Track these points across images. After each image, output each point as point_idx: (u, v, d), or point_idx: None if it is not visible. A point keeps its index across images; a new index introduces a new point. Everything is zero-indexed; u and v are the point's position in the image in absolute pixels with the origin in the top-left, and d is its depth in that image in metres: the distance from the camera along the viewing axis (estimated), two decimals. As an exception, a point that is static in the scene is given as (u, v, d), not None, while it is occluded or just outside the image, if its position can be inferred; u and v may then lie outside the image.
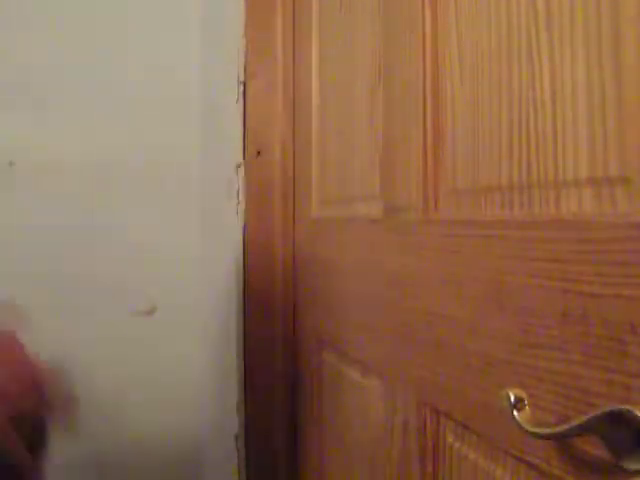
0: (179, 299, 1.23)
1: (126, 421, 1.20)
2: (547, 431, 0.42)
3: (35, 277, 1.12)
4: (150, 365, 1.20)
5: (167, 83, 1.19)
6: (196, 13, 1.22)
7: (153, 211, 1.19)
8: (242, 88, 1.15)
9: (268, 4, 1.14)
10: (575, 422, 0.39)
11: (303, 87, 1.06)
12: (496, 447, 0.52)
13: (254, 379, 1.15)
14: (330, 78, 0.95)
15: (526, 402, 0.46)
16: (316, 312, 0.99)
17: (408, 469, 0.67)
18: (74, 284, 1.14)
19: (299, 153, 1.09)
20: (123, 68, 1.16)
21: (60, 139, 1.12)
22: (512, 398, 0.46)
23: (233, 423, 1.17)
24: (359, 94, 0.82)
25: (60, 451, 1.18)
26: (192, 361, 1.24)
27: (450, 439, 0.60)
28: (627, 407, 0.36)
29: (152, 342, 1.21)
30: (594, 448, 0.40)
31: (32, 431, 0.63)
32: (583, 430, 0.39)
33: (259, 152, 1.14)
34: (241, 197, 1.15)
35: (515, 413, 0.45)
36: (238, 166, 1.15)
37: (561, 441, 0.43)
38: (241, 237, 1.15)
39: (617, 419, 0.37)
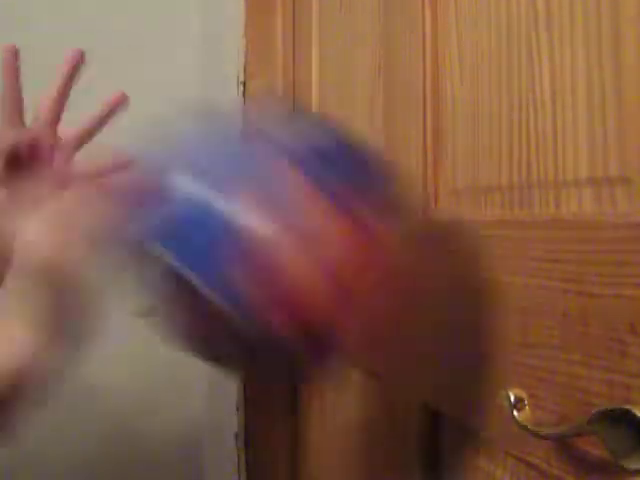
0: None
1: (126, 421, 1.20)
2: (547, 431, 0.42)
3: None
4: (150, 365, 1.20)
5: (167, 83, 1.19)
6: (196, 13, 1.22)
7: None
8: (242, 88, 1.15)
9: (268, 4, 1.14)
10: (575, 422, 0.39)
11: (303, 87, 1.06)
12: (496, 447, 0.52)
13: (254, 379, 1.15)
14: (330, 78, 0.95)
15: (526, 402, 0.46)
16: (316, 312, 0.99)
17: (408, 469, 0.67)
18: (74, 284, 1.14)
19: (299, 153, 1.09)
20: (123, 68, 1.16)
21: (60, 139, 1.12)
22: (512, 398, 0.46)
23: (233, 423, 1.17)
24: (359, 94, 0.82)
25: (60, 451, 1.18)
26: (191, 361, 1.24)
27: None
28: (627, 407, 0.36)
29: (152, 342, 1.21)
30: (594, 448, 0.40)
31: None
32: (583, 430, 0.39)
33: (259, 152, 1.14)
34: (241, 197, 1.15)
35: (515, 413, 0.45)
36: (238, 166, 1.15)
37: (561, 441, 0.43)
38: (241, 237, 1.15)
39: (617, 419, 0.37)
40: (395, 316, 0.46)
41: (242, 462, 1.16)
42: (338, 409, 0.90)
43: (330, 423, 0.94)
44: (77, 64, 0.61)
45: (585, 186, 0.43)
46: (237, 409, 1.16)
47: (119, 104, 0.66)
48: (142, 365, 1.20)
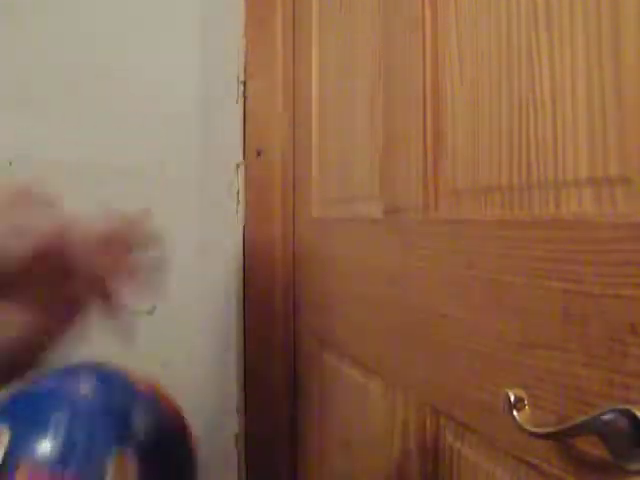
0: (179, 299, 1.23)
1: (126, 421, 1.20)
2: (547, 431, 0.42)
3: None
4: (149, 365, 1.20)
5: (167, 83, 1.19)
6: (196, 13, 1.22)
7: (153, 211, 1.18)
8: (242, 88, 1.15)
9: (268, 4, 1.15)
10: (575, 422, 0.39)
11: (303, 87, 1.06)
12: (496, 447, 0.52)
13: (254, 379, 1.15)
14: (330, 78, 0.95)
15: (526, 402, 0.46)
16: (316, 312, 0.99)
17: (408, 469, 0.67)
18: (74, 284, 1.14)
19: (299, 153, 1.09)
20: (123, 68, 1.16)
21: (60, 139, 1.12)
22: (512, 398, 0.46)
23: (233, 423, 1.17)
24: (359, 94, 0.82)
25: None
26: (192, 361, 1.24)
27: (450, 439, 0.60)
28: (627, 407, 0.36)
29: (152, 342, 1.21)
30: (594, 448, 0.40)
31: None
32: (583, 430, 0.39)
33: (259, 152, 1.14)
34: (241, 197, 1.15)
35: (515, 413, 0.45)
36: (238, 166, 1.15)
37: (561, 441, 0.43)
38: (241, 237, 1.15)
39: (617, 419, 0.37)
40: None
41: (242, 462, 1.16)
42: (338, 410, 0.90)
43: (330, 423, 0.94)
44: None
45: (585, 186, 0.43)
46: (237, 410, 1.16)
47: None
48: (142, 365, 1.20)
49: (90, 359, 0.68)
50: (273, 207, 1.13)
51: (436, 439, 0.62)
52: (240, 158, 1.15)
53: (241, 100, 1.15)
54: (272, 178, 1.13)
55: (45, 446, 0.53)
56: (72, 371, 0.64)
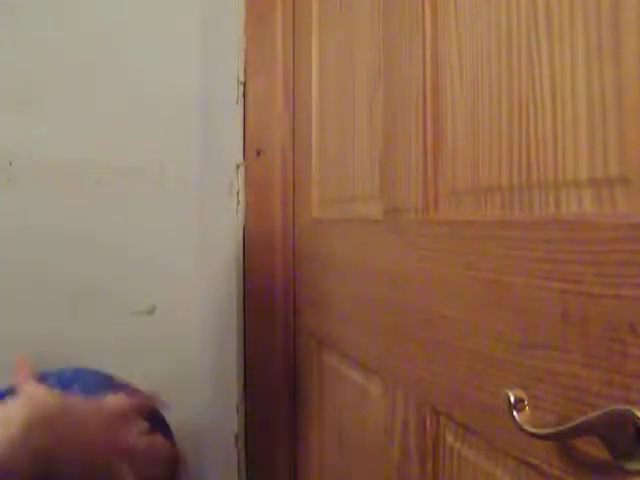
0: (179, 299, 1.23)
1: (126, 421, 1.20)
2: (547, 431, 0.42)
3: (34, 276, 1.12)
4: (150, 365, 1.20)
5: (167, 83, 1.19)
6: (196, 13, 1.22)
7: (153, 211, 1.19)
8: (242, 88, 1.15)
9: (268, 4, 1.14)
10: (575, 422, 0.39)
11: (303, 87, 1.06)
12: (496, 447, 0.52)
13: (254, 379, 1.15)
14: (330, 78, 0.95)
15: (526, 402, 0.46)
16: (316, 312, 0.99)
17: (408, 469, 0.67)
18: (74, 284, 1.14)
19: (299, 153, 1.09)
20: (123, 68, 1.16)
21: (59, 139, 1.12)
22: (512, 398, 0.46)
23: (233, 423, 1.17)
24: (359, 94, 0.82)
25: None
26: (192, 361, 1.24)
27: (450, 439, 0.60)
28: (627, 407, 0.36)
29: (152, 342, 1.21)
30: (594, 448, 0.40)
31: None
32: (583, 430, 0.39)
33: (259, 152, 1.14)
34: (241, 197, 1.15)
35: (515, 413, 0.45)
36: (238, 166, 1.15)
37: (561, 441, 0.43)
38: (241, 237, 1.15)
39: (617, 419, 0.37)
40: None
41: (242, 462, 1.16)
42: (338, 410, 0.90)
43: (330, 424, 0.94)
44: None
45: (585, 186, 0.43)
46: (237, 409, 1.16)
47: None
48: (142, 365, 1.20)
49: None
50: (273, 207, 1.13)
51: (436, 439, 0.62)
52: (240, 158, 1.15)
53: (241, 100, 1.15)
54: (272, 178, 1.13)
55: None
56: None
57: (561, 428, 0.40)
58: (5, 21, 1.10)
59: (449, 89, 0.61)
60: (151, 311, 1.20)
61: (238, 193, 1.15)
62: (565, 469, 0.43)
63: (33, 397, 0.54)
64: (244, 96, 1.14)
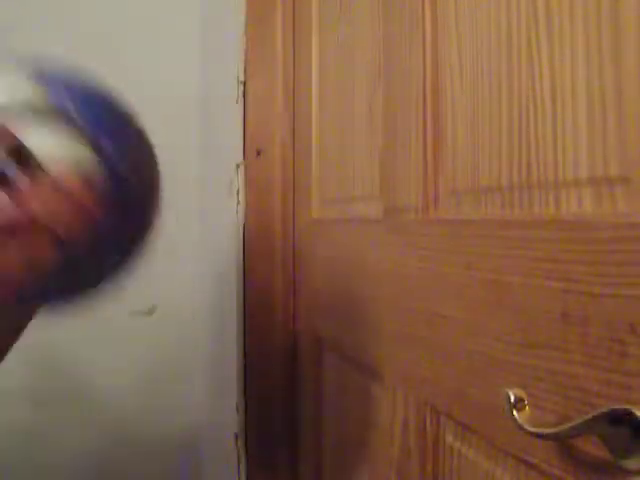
0: (179, 299, 1.23)
1: (126, 421, 1.20)
2: (547, 431, 0.42)
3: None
4: (150, 365, 1.20)
5: (167, 83, 1.19)
6: (196, 13, 1.22)
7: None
8: (242, 88, 1.15)
9: (268, 4, 1.14)
10: (575, 422, 0.39)
11: (303, 87, 1.06)
12: (496, 447, 0.52)
13: (254, 379, 1.15)
14: (330, 78, 0.95)
15: (526, 402, 0.46)
16: (316, 312, 0.99)
17: (408, 469, 0.67)
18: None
19: (299, 153, 1.09)
20: (123, 68, 1.16)
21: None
22: (512, 398, 0.46)
23: (233, 423, 1.17)
24: (359, 94, 0.82)
25: (60, 451, 1.18)
26: (192, 361, 1.24)
27: (450, 439, 0.60)
28: (627, 407, 0.36)
29: (152, 342, 1.21)
30: (594, 448, 0.40)
31: None
32: (583, 430, 0.39)
33: (259, 152, 1.14)
34: (241, 197, 1.15)
35: (515, 413, 0.45)
36: (238, 166, 1.15)
37: (561, 441, 0.43)
38: (241, 237, 1.15)
39: (617, 419, 0.37)
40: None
41: (242, 462, 1.16)
42: (338, 409, 0.90)
43: (330, 423, 0.94)
44: None
45: (585, 186, 0.43)
46: (237, 409, 1.16)
47: None
48: (143, 366, 1.20)
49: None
50: (273, 207, 1.13)
51: (436, 439, 0.62)
52: (240, 158, 1.15)
53: (241, 100, 1.15)
54: (272, 178, 1.13)
55: None
56: None
57: (561, 428, 0.41)
58: (6, 21, 1.10)
59: (449, 89, 0.61)
60: (151, 311, 1.20)
61: (238, 193, 1.15)
62: (565, 468, 0.43)
63: None
64: (244, 96, 1.14)
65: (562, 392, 0.43)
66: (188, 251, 1.22)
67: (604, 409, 0.37)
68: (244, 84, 1.15)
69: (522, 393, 0.46)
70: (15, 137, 0.44)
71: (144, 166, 0.60)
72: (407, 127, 0.68)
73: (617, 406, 0.37)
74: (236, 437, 1.17)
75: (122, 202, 0.52)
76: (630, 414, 0.36)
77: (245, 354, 1.15)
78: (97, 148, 0.49)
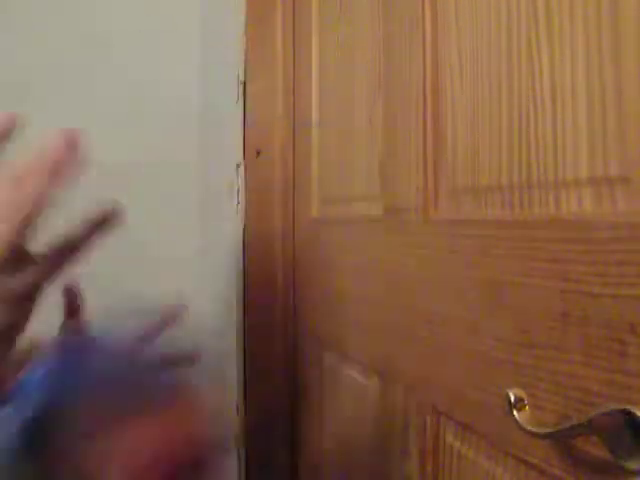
0: (178, 299, 1.22)
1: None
2: (547, 431, 0.42)
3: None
4: (150, 365, 1.19)
5: (167, 83, 1.19)
6: (196, 13, 1.22)
7: (153, 211, 1.18)
8: (242, 88, 1.15)
9: (268, 4, 1.14)
10: (575, 422, 0.39)
11: (303, 87, 1.06)
12: (496, 447, 0.52)
13: (254, 379, 1.15)
14: (330, 78, 0.95)
15: (526, 402, 0.46)
16: (316, 312, 0.99)
17: (408, 469, 0.67)
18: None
19: (299, 153, 1.09)
20: (123, 68, 1.16)
21: (60, 139, 1.12)
22: (512, 398, 0.46)
23: (233, 423, 1.17)
24: (359, 93, 0.82)
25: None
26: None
27: (450, 439, 0.60)
28: (627, 407, 0.36)
29: (152, 342, 1.20)
30: (594, 448, 0.40)
31: None
32: (583, 430, 0.39)
33: (259, 152, 1.14)
34: (241, 197, 1.15)
35: (515, 413, 0.45)
36: (238, 166, 1.15)
37: (561, 441, 0.43)
38: (241, 237, 1.15)
39: (617, 419, 0.37)
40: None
41: (242, 462, 1.16)
42: (338, 409, 0.90)
43: (330, 423, 0.94)
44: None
45: (585, 186, 0.43)
46: (237, 409, 1.16)
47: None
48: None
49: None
50: (273, 207, 1.13)
51: (436, 439, 0.62)
52: (240, 158, 1.15)
53: (241, 100, 1.15)
54: (272, 178, 1.13)
55: None
56: None
57: (561, 428, 0.41)
58: (4, 21, 1.10)
59: (449, 89, 0.61)
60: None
61: (238, 193, 1.15)
62: (565, 468, 0.43)
63: None
64: (244, 96, 1.14)
65: (562, 392, 0.43)
66: (188, 251, 1.22)
67: (604, 409, 0.37)
68: (244, 84, 1.15)
69: (522, 393, 0.46)
70: None
71: None
72: (407, 127, 0.68)
73: (617, 406, 0.37)
74: (236, 438, 1.17)
75: None
76: (630, 414, 0.36)
77: (245, 354, 1.15)
78: None
